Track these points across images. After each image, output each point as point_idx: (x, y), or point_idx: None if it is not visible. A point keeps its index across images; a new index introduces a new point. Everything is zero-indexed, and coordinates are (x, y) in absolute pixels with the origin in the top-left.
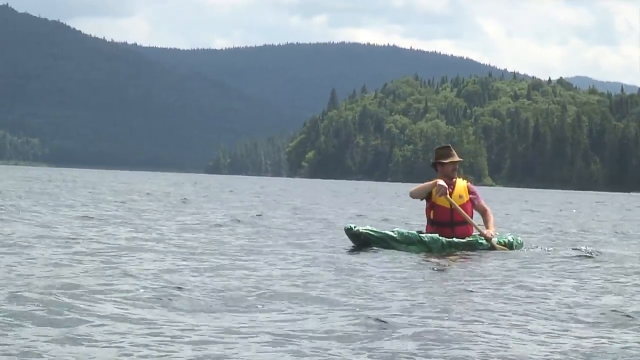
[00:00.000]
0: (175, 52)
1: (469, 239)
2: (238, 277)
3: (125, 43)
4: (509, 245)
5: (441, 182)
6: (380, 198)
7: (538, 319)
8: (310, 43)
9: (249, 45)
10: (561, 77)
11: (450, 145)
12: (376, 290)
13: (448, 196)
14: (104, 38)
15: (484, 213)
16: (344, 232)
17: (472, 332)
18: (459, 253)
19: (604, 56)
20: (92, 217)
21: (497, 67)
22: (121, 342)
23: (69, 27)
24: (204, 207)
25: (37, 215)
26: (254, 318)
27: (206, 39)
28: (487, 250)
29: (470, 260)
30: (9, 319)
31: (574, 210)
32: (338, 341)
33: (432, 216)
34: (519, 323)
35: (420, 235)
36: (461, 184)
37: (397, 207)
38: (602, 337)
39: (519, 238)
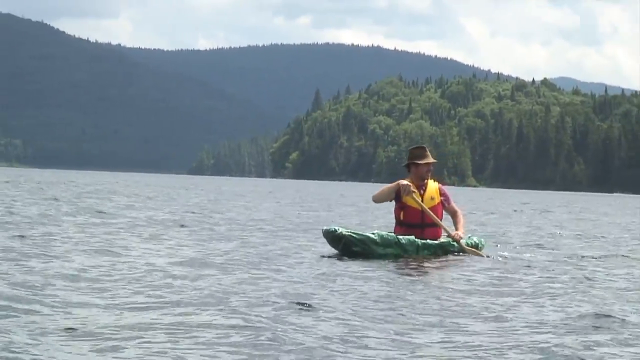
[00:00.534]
0: (159, 52)
1: (441, 240)
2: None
3: (109, 44)
4: (476, 247)
5: (404, 182)
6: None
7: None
8: (294, 44)
9: (232, 46)
10: (545, 78)
11: (424, 146)
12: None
13: (415, 197)
14: (87, 39)
15: (454, 215)
16: (322, 234)
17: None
18: (433, 259)
19: (587, 57)
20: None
21: (481, 68)
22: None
23: (52, 27)
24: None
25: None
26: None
27: (190, 39)
28: (458, 253)
29: (445, 265)
30: None
31: (515, 210)
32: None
33: (402, 217)
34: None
35: (397, 237)
36: (433, 185)
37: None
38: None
39: (483, 240)
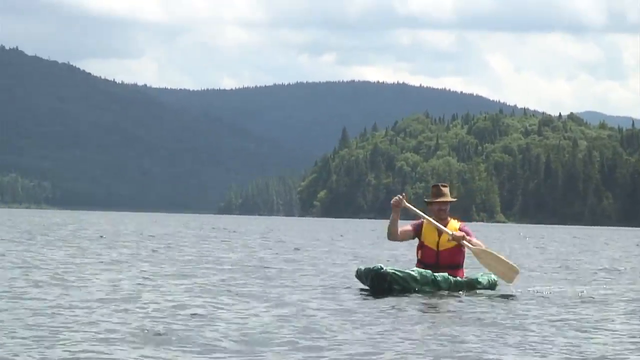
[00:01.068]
0: (184, 92)
1: (469, 277)
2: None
3: (135, 84)
4: (493, 285)
5: (395, 198)
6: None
7: None
8: (319, 82)
9: (258, 85)
10: (571, 113)
11: (444, 184)
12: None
13: (406, 203)
14: (113, 80)
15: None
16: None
17: None
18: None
19: (612, 90)
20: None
21: (507, 103)
22: None
23: (78, 69)
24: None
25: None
26: None
27: (215, 79)
28: (485, 289)
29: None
30: None
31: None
32: None
33: (419, 256)
34: None
35: (434, 275)
36: (453, 225)
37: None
38: None
39: (493, 276)
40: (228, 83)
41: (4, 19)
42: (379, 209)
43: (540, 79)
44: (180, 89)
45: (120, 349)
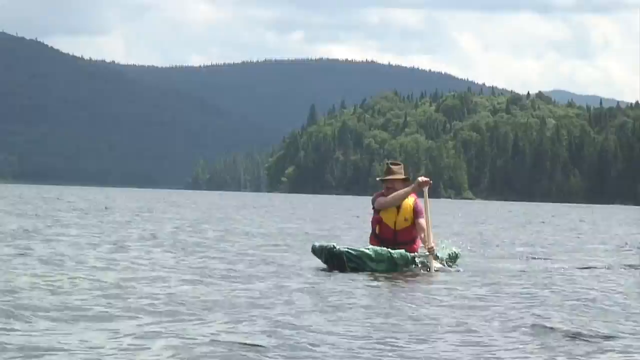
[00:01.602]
0: (152, 69)
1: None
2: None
3: (103, 61)
4: (455, 257)
5: (427, 179)
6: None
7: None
8: (288, 59)
9: (226, 62)
10: (540, 91)
11: (395, 162)
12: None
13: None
14: (82, 56)
15: (420, 230)
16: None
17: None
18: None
19: (580, 69)
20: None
21: (475, 82)
22: None
23: (46, 45)
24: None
25: None
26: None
27: (183, 56)
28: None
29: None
30: None
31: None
32: None
33: (377, 230)
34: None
35: (390, 252)
36: (408, 203)
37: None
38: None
39: (459, 250)
40: (196, 60)
41: None
42: (347, 185)
43: (508, 57)
44: (149, 66)
45: None
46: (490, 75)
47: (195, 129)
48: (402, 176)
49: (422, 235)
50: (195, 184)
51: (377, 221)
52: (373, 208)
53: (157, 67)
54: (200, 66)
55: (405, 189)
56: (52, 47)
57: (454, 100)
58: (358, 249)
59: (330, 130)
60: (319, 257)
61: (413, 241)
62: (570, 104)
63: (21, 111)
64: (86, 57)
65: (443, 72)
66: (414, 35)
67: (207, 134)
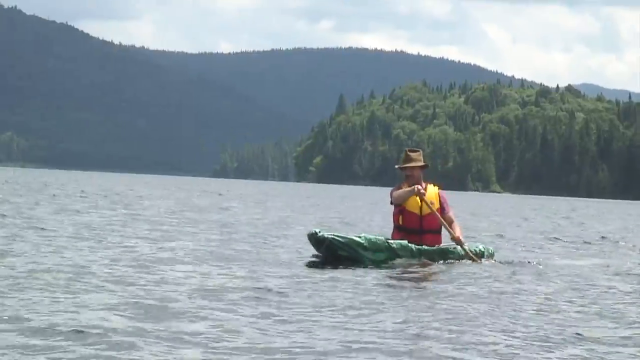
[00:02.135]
0: (182, 55)
1: (440, 246)
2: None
3: (133, 46)
4: (480, 255)
5: (418, 186)
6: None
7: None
8: (317, 48)
9: (255, 50)
10: (569, 85)
11: (413, 149)
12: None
13: (426, 200)
14: (111, 41)
15: (450, 224)
16: (307, 238)
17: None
18: (429, 265)
19: (609, 63)
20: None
21: (504, 74)
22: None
23: (77, 29)
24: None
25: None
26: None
27: (212, 42)
28: (458, 260)
29: (443, 272)
30: None
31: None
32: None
33: (400, 222)
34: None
35: (388, 242)
36: (432, 190)
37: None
38: None
39: (491, 248)
40: (225, 47)
41: None
42: (374, 176)
43: (536, 50)
44: (178, 52)
45: None
46: (518, 67)
47: (224, 117)
48: (421, 163)
49: (454, 226)
50: (222, 172)
51: (399, 212)
52: (391, 203)
53: (186, 53)
54: (229, 53)
55: (406, 190)
56: (82, 32)
57: (483, 92)
58: (347, 236)
59: (359, 121)
60: (312, 244)
61: (438, 231)
62: (599, 98)
63: (50, 95)
64: (116, 42)
65: (472, 64)
66: (443, 25)
67: (235, 122)
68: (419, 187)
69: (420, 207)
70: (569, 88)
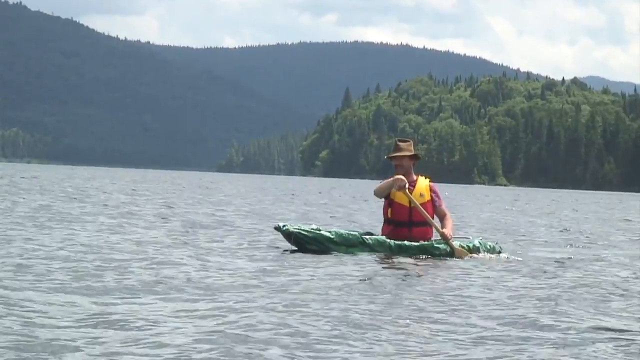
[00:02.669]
0: (187, 50)
1: (423, 242)
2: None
3: (138, 41)
4: (475, 250)
5: (401, 176)
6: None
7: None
8: (322, 42)
9: (260, 44)
10: (575, 77)
11: (403, 139)
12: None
13: (407, 191)
14: (116, 36)
15: (443, 217)
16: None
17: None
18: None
19: (614, 56)
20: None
21: (510, 66)
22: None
23: (82, 24)
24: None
25: None
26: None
27: (217, 37)
28: (441, 257)
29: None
30: None
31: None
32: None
33: (389, 215)
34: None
35: (363, 237)
36: (423, 182)
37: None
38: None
39: (490, 243)
40: (230, 42)
41: None
42: (380, 170)
43: (542, 42)
44: (183, 47)
45: None
46: (524, 60)
47: (229, 111)
48: (410, 153)
49: (447, 220)
50: (228, 167)
51: (388, 204)
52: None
53: (191, 48)
54: (234, 48)
55: (387, 181)
56: (87, 27)
57: (489, 85)
58: (314, 230)
59: (365, 114)
60: (284, 237)
61: (428, 223)
62: (605, 91)
63: (55, 91)
64: (121, 37)
65: (477, 57)
66: (448, 19)
67: (241, 116)
68: (401, 177)
69: (409, 199)
70: (575, 81)
